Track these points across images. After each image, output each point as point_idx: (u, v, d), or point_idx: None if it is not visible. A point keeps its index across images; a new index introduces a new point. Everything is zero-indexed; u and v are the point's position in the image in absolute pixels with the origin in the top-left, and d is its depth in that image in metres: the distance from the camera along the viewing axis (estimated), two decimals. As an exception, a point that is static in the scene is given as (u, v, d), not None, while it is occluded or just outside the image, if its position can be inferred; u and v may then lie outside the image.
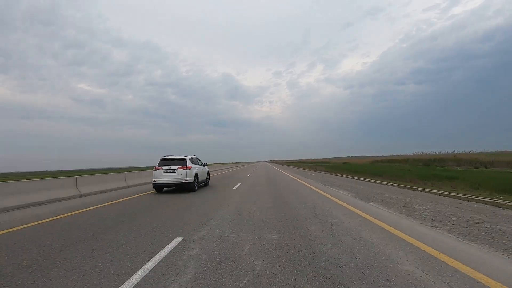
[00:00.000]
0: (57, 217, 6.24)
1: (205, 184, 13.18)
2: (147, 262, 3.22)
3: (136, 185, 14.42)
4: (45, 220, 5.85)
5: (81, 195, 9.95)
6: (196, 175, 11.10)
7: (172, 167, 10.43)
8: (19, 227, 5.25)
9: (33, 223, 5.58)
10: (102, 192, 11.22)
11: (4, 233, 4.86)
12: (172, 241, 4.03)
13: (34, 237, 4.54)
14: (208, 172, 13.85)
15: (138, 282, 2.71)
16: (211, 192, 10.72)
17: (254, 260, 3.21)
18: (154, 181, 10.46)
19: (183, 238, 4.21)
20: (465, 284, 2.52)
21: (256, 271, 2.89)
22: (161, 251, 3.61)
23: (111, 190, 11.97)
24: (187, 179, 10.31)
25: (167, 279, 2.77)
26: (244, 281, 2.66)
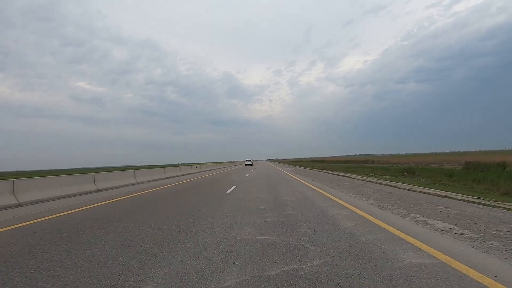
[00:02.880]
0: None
1: (251, 164, 53.04)
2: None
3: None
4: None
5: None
6: (252, 162, 57.23)
7: (248, 160, 59.51)
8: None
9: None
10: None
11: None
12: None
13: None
14: (251, 162, 57.82)
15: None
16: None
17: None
18: (245, 163, 57.71)
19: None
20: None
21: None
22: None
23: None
24: (251, 163, 56.36)
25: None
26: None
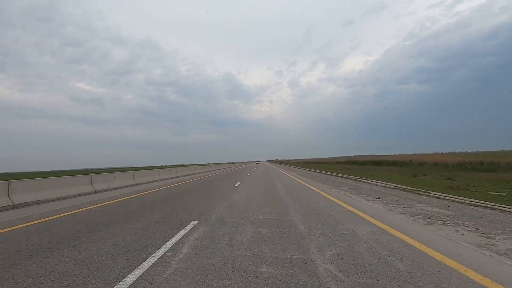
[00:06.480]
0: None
1: (259, 163, 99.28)
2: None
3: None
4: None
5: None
6: (258, 163, 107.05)
7: (257, 161, 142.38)
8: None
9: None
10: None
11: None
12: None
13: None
14: (259, 162, 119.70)
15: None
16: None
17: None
18: (256, 162, 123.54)
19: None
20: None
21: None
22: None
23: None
24: (259, 163, 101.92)
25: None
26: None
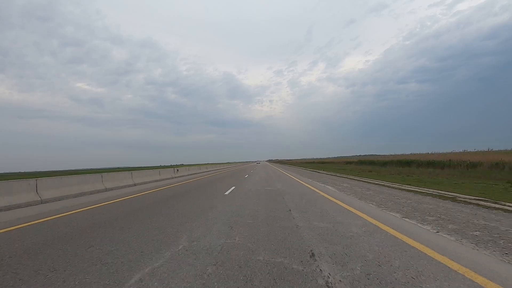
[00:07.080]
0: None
1: (259, 163, 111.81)
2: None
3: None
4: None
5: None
6: (259, 162, 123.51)
7: (258, 160, 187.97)
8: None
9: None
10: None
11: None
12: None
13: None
14: (260, 162, 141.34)
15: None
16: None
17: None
18: (256, 162, 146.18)
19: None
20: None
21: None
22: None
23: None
24: (260, 163, 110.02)
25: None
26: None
